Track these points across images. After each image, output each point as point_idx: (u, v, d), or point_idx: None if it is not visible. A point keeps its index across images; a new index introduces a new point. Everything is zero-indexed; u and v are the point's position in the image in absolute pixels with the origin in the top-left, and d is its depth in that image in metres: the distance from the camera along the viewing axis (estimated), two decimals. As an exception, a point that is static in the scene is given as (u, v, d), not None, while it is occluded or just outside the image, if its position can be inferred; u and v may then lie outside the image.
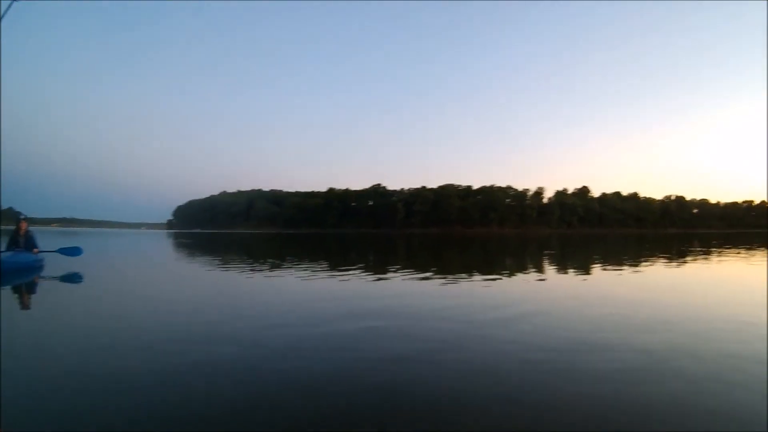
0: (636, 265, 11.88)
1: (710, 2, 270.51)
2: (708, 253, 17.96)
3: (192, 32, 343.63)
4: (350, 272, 9.93)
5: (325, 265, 11.93)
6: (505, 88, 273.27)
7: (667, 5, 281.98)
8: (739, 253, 17.92)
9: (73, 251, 11.95)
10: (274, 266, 11.64)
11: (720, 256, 16.21)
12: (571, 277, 9.40)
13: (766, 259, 14.90)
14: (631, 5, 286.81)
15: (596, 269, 11.17)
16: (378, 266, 11.86)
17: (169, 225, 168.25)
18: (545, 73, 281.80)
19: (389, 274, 9.55)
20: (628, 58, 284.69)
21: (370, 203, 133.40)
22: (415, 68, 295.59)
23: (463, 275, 9.46)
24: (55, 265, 10.56)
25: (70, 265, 10.75)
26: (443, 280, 8.47)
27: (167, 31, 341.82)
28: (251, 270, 10.53)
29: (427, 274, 9.55)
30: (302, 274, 9.64)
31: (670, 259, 14.56)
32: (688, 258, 14.95)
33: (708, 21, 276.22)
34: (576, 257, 16.30)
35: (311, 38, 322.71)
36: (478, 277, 9.07)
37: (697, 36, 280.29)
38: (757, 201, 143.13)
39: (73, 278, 8.61)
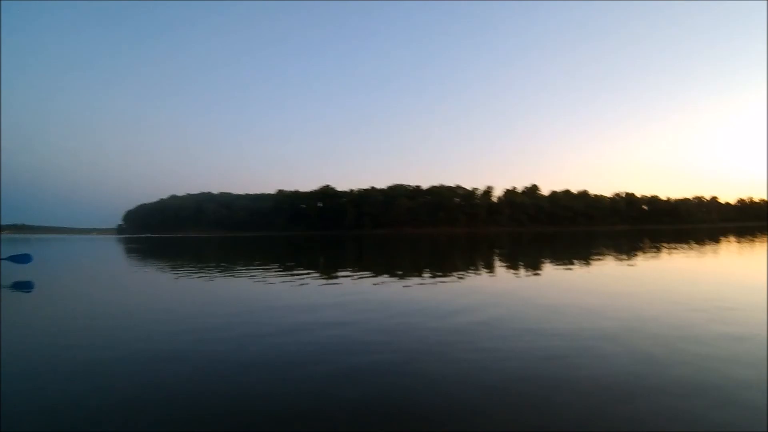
0: (587, 263, 12.06)
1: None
2: (657, 249, 18.35)
3: (134, 36, 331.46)
4: (303, 276, 9.90)
5: (277, 269, 11.94)
6: (451, 87, 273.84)
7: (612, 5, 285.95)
8: (690, 248, 18.37)
9: (23, 259, 12.05)
10: (225, 271, 11.58)
11: (670, 251, 16.48)
12: (524, 276, 9.55)
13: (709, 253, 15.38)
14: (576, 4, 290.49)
15: (547, 267, 11.27)
16: (329, 270, 11.87)
17: (120, 230, 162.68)
18: (492, 71, 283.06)
19: (341, 278, 9.55)
20: (575, 58, 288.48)
21: (320, 205, 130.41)
22: (361, 68, 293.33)
23: (418, 277, 9.52)
24: (5, 274, 10.68)
25: (20, 273, 10.87)
26: (402, 282, 8.59)
27: (110, 36, 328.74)
28: (203, 276, 10.39)
29: (385, 277, 9.46)
30: (257, 278, 9.64)
31: (620, 255, 14.97)
32: (639, 254, 15.27)
33: (661, 20, 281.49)
34: (526, 256, 16.43)
35: (256, 39, 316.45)
36: (431, 279, 9.07)
37: (650, 37, 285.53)
38: (707, 197, 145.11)
39: (23, 287, 8.65)
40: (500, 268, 11.23)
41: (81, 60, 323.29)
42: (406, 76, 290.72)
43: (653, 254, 15.24)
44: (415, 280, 8.96)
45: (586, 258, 13.92)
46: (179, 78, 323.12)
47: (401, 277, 9.56)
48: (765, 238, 26.38)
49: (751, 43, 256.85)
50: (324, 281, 9.02)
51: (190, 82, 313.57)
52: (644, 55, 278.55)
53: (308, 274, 10.37)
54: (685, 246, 19.84)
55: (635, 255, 14.87)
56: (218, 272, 11.19)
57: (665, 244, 21.73)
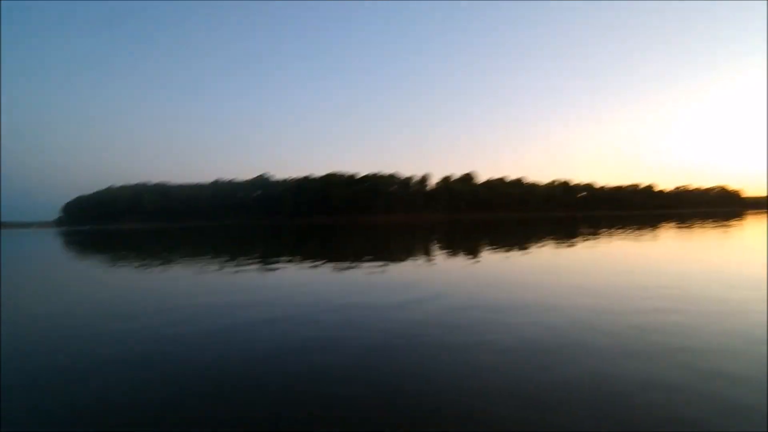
0: (527, 250, 12.28)
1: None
2: (595, 235, 18.86)
3: (76, 29, 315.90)
4: (246, 266, 10.19)
5: (222, 259, 12.20)
6: (388, 77, 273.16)
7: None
8: (627, 234, 19.08)
9: None
10: (167, 263, 11.85)
11: (609, 237, 17.06)
12: (469, 264, 9.66)
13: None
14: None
15: (488, 256, 11.48)
16: (269, 258, 12.14)
17: (59, 222, 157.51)
18: (428, 62, 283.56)
19: (281, 266, 9.95)
20: (514, 49, 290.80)
21: (257, 194, 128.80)
22: (295, 57, 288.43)
23: (358, 264, 9.98)
24: None
25: None
26: (350, 272, 8.74)
27: (49, 26, 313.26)
28: (144, 269, 10.47)
29: (333, 266, 9.66)
30: (207, 271, 9.71)
31: (560, 241, 15.29)
32: (578, 241, 15.64)
33: (605, 16, 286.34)
34: (466, 244, 16.48)
35: (188, 29, 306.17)
36: (377, 268, 9.18)
37: (590, 30, 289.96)
38: (642, 185, 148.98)
39: None
40: (446, 258, 11.50)
41: (7, 47, 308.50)
42: (342, 66, 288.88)
43: (593, 240, 15.83)
44: (362, 269, 9.08)
45: (525, 245, 14.28)
46: (113, 68, 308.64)
47: (348, 267, 9.72)
48: (702, 225, 27.71)
49: (692, 34, 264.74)
50: (271, 273, 9.08)
51: (123, 73, 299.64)
52: (583, 46, 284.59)
53: (249, 265, 10.65)
54: (622, 232, 20.72)
55: (574, 242, 15.33)
56: (158, 264, 11.47)
57: (604, 230, 22.85)
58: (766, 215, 55.69)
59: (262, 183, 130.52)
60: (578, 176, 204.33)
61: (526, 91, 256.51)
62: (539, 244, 14.33)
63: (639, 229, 23.67)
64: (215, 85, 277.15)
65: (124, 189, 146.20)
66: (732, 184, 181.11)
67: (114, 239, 31.24)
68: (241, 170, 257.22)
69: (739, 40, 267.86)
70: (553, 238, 17.29)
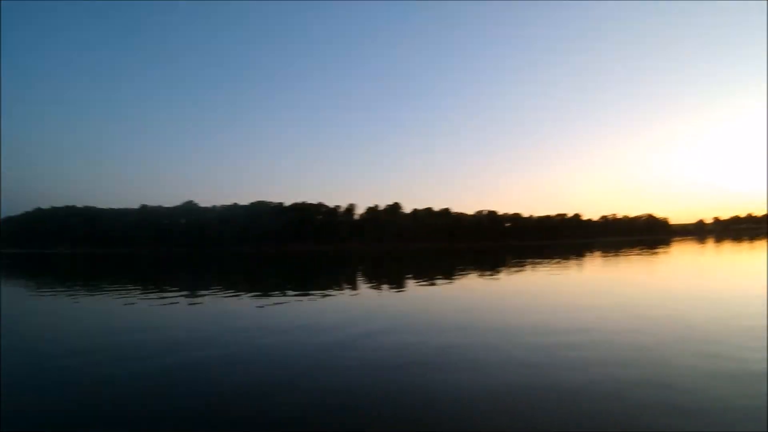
0: (452, 280, 12.98)
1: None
2: (520, 265, 19.42)
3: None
4: (172, 295, 10.73)
5: (154, 289, 12.60)
6: (311, 102, 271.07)
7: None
8: (550, 263, 19.55)
9: None
10: (93, 291, 12.29)
11: (534, 267, 17.61)
12: (391, 294, 10.79)
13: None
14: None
15: (410, 284, 12.18)
16: (196, 290, 12.42)
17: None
18: (350, 87, 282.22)
19: (204, 298, 10.45)
20: (434, 77, 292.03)
21: (183, 221, 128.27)
22: (218, 82, 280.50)
23: (283, 294, 10.71)
24: None
25: None
26: (273, 303, 9.40)
27: None
28: (68, 297, 11.01)
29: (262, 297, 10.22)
30: (128, 299, 10.24)
31: (485, 271, 15.56)
32: (503, 270, 16.25)
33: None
34: (386, 274, 17.53)
35: (119, 52, 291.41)
36: (293, 295, 10.05)
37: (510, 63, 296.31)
38: (570, 214, 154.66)
39: None
40: (372, 290, 12.39)
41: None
42: (264, 91, 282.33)
43: (516, 271, 16.42)
44: (286, 303, 9.80)
45: (451, 276, 15.02)
46: (42, 87, 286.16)
47: (276, 301, 10.34)
48: (627, 253, 28.60)
49: (623, 68, 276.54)
50: (197, 302, 10.05)
51: (51, 92, 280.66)
52: (504, 80, 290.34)
53: (174, 294, 11.52)
54: (547, 261, 21.11)
55: (499, 271, 16.00)
56: (84, 293, 12.17)
57: (530, 260, 23.32)
58: (691, 242, 59.04)
59: (188, 209, 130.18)
60: (505, 206, 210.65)
61: (450, 121, 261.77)
62: (464, 275, 15.19)
63: (565, 258, 24.44)
64: (142, 109, 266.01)
65: (51, 211, 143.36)
66: (659, 212, 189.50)
67: (40, 265, 31.73)
68: (168, 195, 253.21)
69: (661, 70, 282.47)
70: (478, 269, 17.89)
